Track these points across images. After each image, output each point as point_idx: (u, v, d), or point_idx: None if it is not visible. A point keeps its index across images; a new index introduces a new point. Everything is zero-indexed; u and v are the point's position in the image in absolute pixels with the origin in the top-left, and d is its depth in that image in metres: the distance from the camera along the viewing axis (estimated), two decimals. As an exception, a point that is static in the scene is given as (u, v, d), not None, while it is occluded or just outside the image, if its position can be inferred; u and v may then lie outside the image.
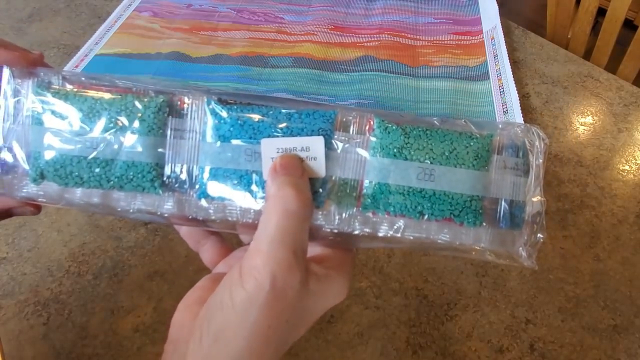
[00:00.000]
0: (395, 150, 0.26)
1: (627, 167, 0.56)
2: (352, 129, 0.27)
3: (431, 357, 0.42)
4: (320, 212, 0.27)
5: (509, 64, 0.66)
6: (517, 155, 0.27)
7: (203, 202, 0.27)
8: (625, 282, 0.46)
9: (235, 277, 0.23)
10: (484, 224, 0.27)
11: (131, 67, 0.67)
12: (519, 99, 0.61)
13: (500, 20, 0.74)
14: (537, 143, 0.27)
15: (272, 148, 0.26)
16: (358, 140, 0.27)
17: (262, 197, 0.27)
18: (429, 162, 0.26)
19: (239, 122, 0.27)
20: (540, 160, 0.27)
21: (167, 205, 0.28)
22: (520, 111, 0.60)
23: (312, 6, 0.79)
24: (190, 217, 0.28)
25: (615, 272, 0.47)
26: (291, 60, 0.69)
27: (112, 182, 0.27)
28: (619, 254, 0.49)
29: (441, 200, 0.26)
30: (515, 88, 0.63)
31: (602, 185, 0.54)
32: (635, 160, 0.57)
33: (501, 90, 0.64)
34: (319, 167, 0.26)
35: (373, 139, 0.27)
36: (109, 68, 0.67)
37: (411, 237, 0.27)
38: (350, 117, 0.27)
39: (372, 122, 0.27)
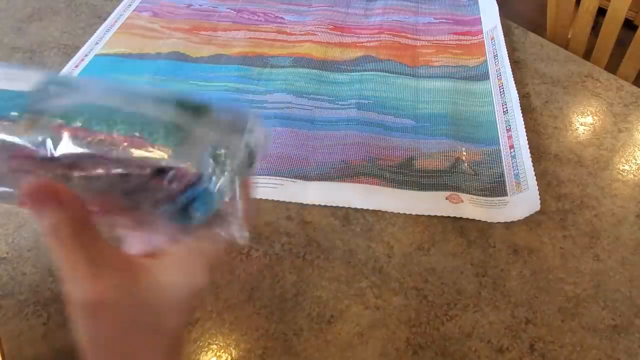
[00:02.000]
0: None
1: (627, 167, 0.56)
2: None
3: (431, 357, 0.42)
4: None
5: (509, 64, 0.66)
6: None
7: None
8: (625, 282, 0.46)
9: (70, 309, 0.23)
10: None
11: (131, 67, 0.67)
12: (519, 99, 0.61)
13: (500, 20, 0.74)
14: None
15: None
16: None
17: None
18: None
19: None
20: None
21: None
22: (520, 111, 0.60)
23: (312, 6, 0.79)
24: None
25: (615, 272, 0.47)
26: (291, 60, 0.69)
27: None
28: (619, 254, 0.49)
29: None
30: (515, 88, 0.63)
31: (602, 185, 0.54)
32: (635, 160, 0.57)
33: (501, 90, 0.64)
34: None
35: None
36: (109, 68, 0.67)
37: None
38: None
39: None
